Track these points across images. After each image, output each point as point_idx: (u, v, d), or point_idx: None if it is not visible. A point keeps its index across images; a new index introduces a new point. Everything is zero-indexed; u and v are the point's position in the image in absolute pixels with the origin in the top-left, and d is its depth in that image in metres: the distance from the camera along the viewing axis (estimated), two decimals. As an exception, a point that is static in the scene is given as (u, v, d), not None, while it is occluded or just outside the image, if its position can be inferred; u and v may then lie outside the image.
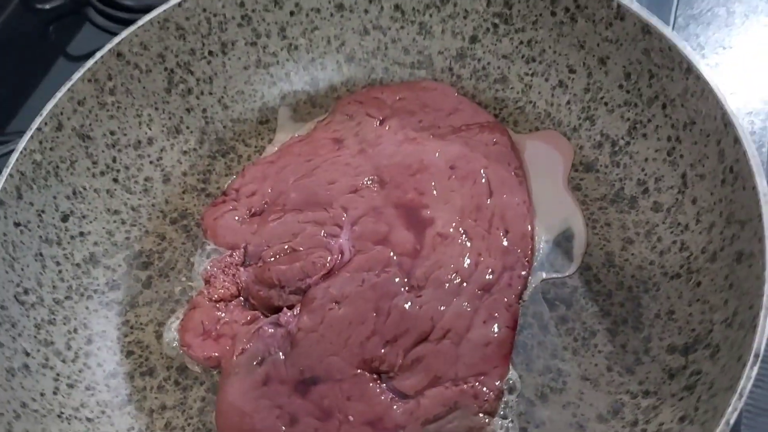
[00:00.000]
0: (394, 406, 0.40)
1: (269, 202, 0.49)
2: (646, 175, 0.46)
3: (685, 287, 0.42)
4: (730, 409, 0.31)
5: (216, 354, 0.44)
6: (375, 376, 0.41)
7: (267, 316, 0.45)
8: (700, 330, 0.39)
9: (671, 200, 0.44)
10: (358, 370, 0.41)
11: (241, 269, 0.47)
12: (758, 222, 0.36)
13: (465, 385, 0.40)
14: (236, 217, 0.49)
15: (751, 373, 0.32)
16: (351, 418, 0.39)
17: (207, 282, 0.47)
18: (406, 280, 0.43)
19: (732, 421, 0.31)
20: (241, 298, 0.47)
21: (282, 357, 0.42)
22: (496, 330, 0.41)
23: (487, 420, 0.39)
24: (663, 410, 0.38)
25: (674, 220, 0.44)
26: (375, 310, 0.42)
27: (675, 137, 0.44)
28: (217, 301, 0.46)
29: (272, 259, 0.46)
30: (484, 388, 0.40)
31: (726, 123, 0.39)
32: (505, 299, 0.42)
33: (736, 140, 0.38)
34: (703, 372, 0.37)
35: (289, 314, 0.44)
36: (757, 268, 0.35)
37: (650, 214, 0.46)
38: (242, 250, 0.48)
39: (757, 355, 0.32)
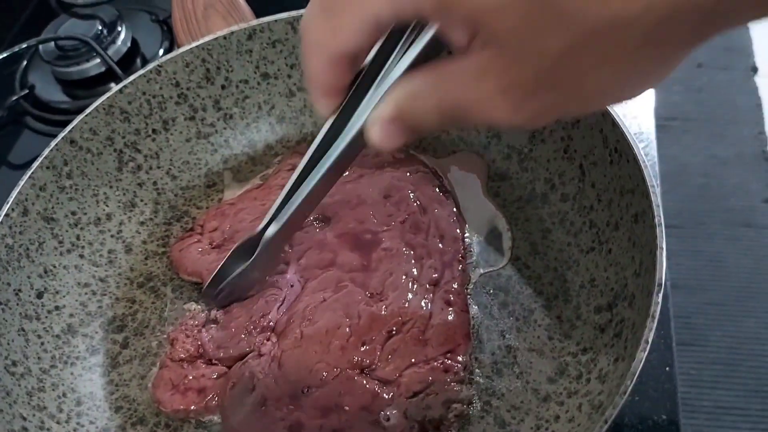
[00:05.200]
0: (380, 390, 0.45)
1: (227, 239, 0.55)
2: (550, 173, 0.54)
3: (599, 257, 0.49)
4: (646, 330, 0.38)
5: (182, 407, 0.48)
6: (358, 371, 0.46)
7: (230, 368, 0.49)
8: (618, 287, 0.46)
9: (575, 189, 0.52)
10: (344, 369, 0.46)
11: (204, 331, 0.51)
12: (643, 184, 0.44)
13: (436, 363, 0.46)
14: (199, 249, 0.55)
15: (657, 299, 0.39)
16: (347, 408, 0.44)
17: (171, 343, 0.51)
18: (364, 291, 0.49)
19: (650, 339, 0.38)
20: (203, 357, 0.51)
21: (272, 378, 0.46)
22: (452, 315, 0.48)
23: (459, 388, 0.45)
24: (600, 359, 0.45)
25: (580, 205, 0.51)
26: (347, 317, 0.47)
27: (567, 137, 0.52)
28: (180, 361, 0.50)
29: (227, 314, 0.51)
30: (452, 363, 0.46)
31: (603, 113, 0.47)
32: (453, 288, 0.49)
33: (614, 123, 0.46)
34: (626, 319, 0.44)
35: (268, 344, 0.48)
36: (649, 219, 0.43)
37: (560, 205, 0.53)
38: (206, 312, 0.52)
39: (660, 284, 0.39)
